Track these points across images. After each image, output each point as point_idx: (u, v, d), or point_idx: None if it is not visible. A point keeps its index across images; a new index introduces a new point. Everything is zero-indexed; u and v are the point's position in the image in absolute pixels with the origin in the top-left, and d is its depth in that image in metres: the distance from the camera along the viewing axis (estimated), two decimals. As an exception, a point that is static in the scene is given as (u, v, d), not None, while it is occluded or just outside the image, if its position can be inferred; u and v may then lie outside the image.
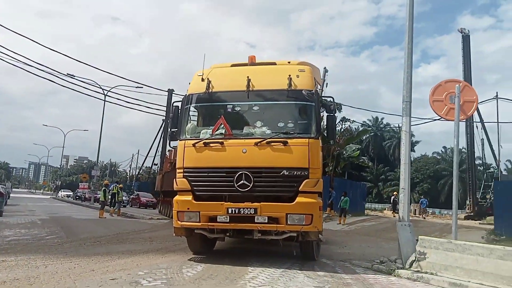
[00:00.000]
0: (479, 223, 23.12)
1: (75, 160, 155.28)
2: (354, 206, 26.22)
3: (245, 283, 5.62)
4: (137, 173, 60.11)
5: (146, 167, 57.89)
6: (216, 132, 7.24)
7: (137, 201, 32.25)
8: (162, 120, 45.44)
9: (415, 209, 32.04)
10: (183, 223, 7.10)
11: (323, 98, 8.03)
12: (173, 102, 8.17)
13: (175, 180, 7.32)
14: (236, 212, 6.84)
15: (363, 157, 38.35)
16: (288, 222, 6.75)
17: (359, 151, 33.01)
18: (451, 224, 9.06)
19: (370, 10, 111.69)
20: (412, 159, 54.89)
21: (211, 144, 7.13)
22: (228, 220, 6.89)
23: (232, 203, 6.87)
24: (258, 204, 6.79)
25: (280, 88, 7.31)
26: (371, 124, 60.82)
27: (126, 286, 5.10)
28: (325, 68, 39.65)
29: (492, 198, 20.68)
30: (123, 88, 33.09)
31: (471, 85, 26.48)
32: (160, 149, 44.33)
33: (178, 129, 7.56)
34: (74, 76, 25.73)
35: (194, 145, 7.19)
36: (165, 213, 22.78)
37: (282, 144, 6.93)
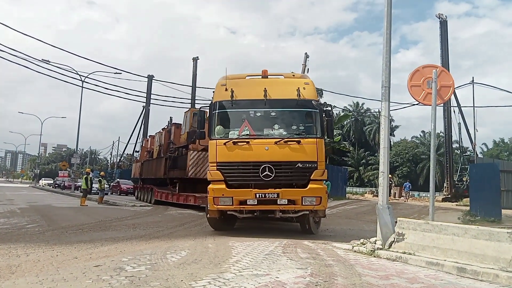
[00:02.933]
0: (456, 205, 23.88)
1: (53, 148, 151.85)
2: (335, 190, 26.67)
3: (229, 267, 5.70)
4: (118, 161, 59.39)
5: (127, 154, 57.23)
6: (242, 133, 8.98)
7: (118, 188, 32.03)
8: (143, 106, 44.73)
9: (395, 192, 32.79)
10: (218, 206, 8.79)
11: (323, 104, 9.91)
12: (200, 107, 10.02)
13: (209, 172, 8.92)
14: (263, 196, 8.64)
15: (344, 142, 38.77)
16: (303, 203, 8.73)
17: (340, 136, 33.39)
18: (428, 207, 9.35)
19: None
20: (391, 143, 55.92)
21: (239, 143, 8.82)
22: (256, 203, 8.69)
23: (258, 189, 8.66)
24: (280, 190, 8.65)
25: (292, 98, 9.08)
26: (351, 110, 61.39)
27: (110, 273, 5.11)
28: (306, 53, 39.53)
29: (468, 181, 21.31)
30: (102, 74, 32.45)
31: (448, 70, 27.02)
32: (141, 136, 43.81)
33: (208, 129, 9.25)
34: (50, 62, 24.96)
35: (225, 144, 8.82)
36: (143, 199, 22.71)
37: (296, 142, 8.80)
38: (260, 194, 8.63)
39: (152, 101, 42.57)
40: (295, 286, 4.75)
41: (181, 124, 20.91)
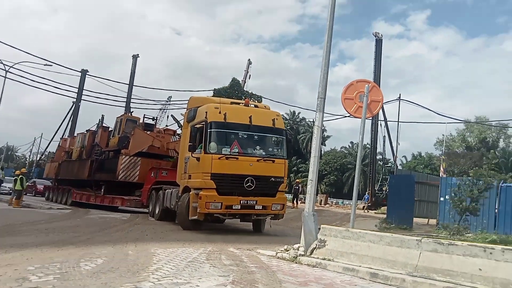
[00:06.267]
0: (375, 213, 25.49)
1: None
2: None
3: (148, 275, 5.44)
4: (38, 159, 54.92)
5: (49, 152, 53.09)
6: (232, 151, 10.89)
7: (33, 189, 29.48)
8: (73, 102, 41.90)
9: (321, 200, 34.18)
10: (209, 210, 10.46)
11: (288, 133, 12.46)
12: (196, 125, 11.39)
13: (202, 180, 10.60)
14: (245, 203, 10.76)
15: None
16: (272, 209, 11.16)
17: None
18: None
19: (296, 9, 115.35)
20: (322, 152, 58.24)
21: (231, 158, 10.76)
22: (239, 208, 10.74)
23: (242, 197, 10.72)
24: (257, 197, 10.91)
25: (270, 126, 11.52)
26: (288, 118, 63.05)
27: (11, 283, 4.61)
28: (249, 60, 39.88)
29: (387, 190, 22.88)
30: (29, 65, 30.06)
31: (379, 86, 28.88)
32: (67, 133, 40.98)
33: (199, 144, 10.91)
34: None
35: (219, 158, 10.64)
36: (57, 200, 21.83)
37: (271, 161, 11.23)
38: (244, 201, 10.74)
39: (84, 97, 40.11)
40: (214, 294, 4.65)
41: (108, 127, 21.17)
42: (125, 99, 37.90)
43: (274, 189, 11.19)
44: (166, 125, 36.28)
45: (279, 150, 11.69)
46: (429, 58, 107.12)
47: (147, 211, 15.44)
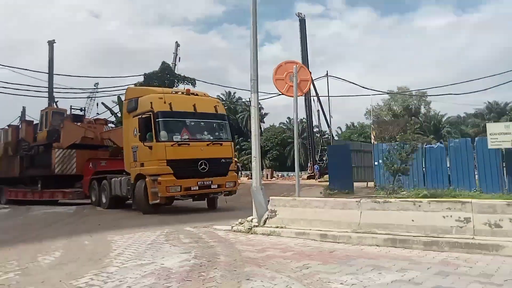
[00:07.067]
0: (319, 181, 26.90)
1: None
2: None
3: (111, 261, 5.58)
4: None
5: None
6: (183, 137, 11.67)
7: None
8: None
9: (267, 174, 35.26)
10: (170, 193, 11.21)
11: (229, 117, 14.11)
12: (143, 116, 11.54)
13: (158, 167, 11.14)
14: (202, 184, 11.65)
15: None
16: (226, 186, 12.21)
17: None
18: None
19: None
20: (262, 129, 59.37)
21: (183, 145, 11.54)
22: (197, 189, 11.63)
23: (199, 179, 11.56)
24: (212, 178, 11.81)
25: (213, 112, 12.51)
26: (224, 99, 63.04)
27: (-30, 285, 4.54)
28: (176, 42, 38.90)
29: (327, 160, 24.22)
30: None
31: (307, 65, 29.91)
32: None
33: (148, 133, 11.36)
34: None
35: (172, 145, 11.28)
36: None
37: (219, 144, 12.22)
38: (200, 182, 11.59)
39: (1, 89, 36.78)
40: (181, 269, 4.95)
41: (32, 121, 20.59)
42: (44, 89, 35.36)
43: (225, 169, 12.24)
44: (97, 113, 34.82)
45: (224, 133, 12.66)
46: (350, 36, 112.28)
47: (89, 202, 15.25)
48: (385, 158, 14.18)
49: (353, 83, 53.52)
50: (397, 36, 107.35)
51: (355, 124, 62.66)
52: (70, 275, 4.85)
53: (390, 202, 6.75)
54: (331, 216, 7.14)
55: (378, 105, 53.70)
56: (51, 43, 35.88)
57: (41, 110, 19.29)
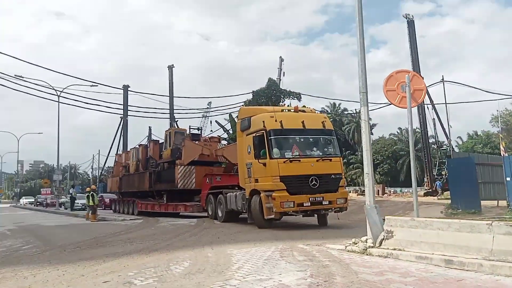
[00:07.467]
0: (438, 199, 24.76)
1: (30, 165, 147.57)
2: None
3: (233, 274, 5.98)
4: (100, 174, 58.50)
5: (108, 167, 56.39)
6: (294, 154, 11.98)
7: (102, 203, 31.88)
8: (120, 117, 44.32)
9: (378, 190, 33.63)
10: (284, 208, 11.52)
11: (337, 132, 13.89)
12: (256, 134, 12.26)
13: (272, 183, 11.59)
14: (314, 200, 11.78)
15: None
16: (337, 203, 12.20)
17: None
18: (412, 202, 9.85)
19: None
20: (371, 141, 56.89)
21: (294, 161, 11.83)
22: (309, 204, 11.77)
23: (310, 195, 11.72)
24: (323, 194, 11.89)
25: (321, 128, 12.71)
26: (329, 111, 62.35)
27: (121, 287, 5.33)
28: (280, 57, 39.85)
29: (447, 175, 22.17)
30: (77, 88, 32.51)
31: (419, 69, 27.93)
32: (121, 148, 43.37)
33: (261, 150, 11.93)
34: (23, 77, 24.95)
35: (284, 162, 11.70)
36: (124, 211, 23.85)
37: (329, 160, 12.35)
38: (312, 198, 11.76)
39: (130, 112, 42.27)
40: (298, 287, 5.07)
41: (157, 140, 23.46)
42: (167, 110, 39.45)
43: (335, 185, 12.30)
44: (211, 130, 37.67)
45: (333, 149, 12.79)
46: (467, 32, 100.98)
47: (206, 215, 16.44)
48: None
49: (473, 87, 48.02)
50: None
51: (478, 133, 56.06)
52: (198, 285, 5.35)
53: (531, 226, 5.93)
54: (456, 239, 6.55)
55: (507, 110, 47.15)
56: (170, 68, 39.88)
57: (165, 131, 21.90)
